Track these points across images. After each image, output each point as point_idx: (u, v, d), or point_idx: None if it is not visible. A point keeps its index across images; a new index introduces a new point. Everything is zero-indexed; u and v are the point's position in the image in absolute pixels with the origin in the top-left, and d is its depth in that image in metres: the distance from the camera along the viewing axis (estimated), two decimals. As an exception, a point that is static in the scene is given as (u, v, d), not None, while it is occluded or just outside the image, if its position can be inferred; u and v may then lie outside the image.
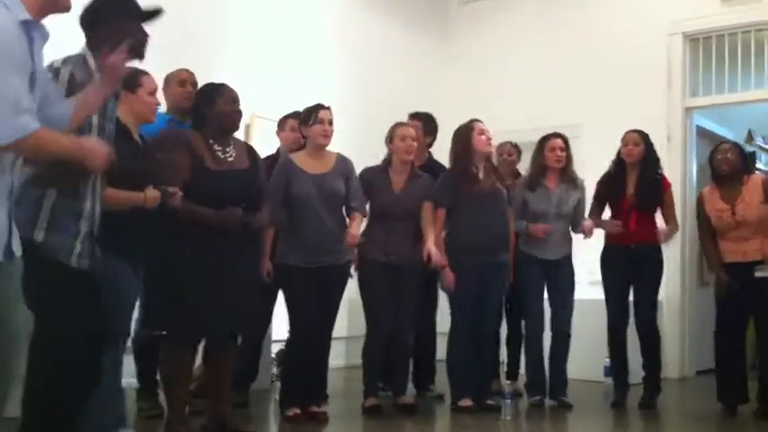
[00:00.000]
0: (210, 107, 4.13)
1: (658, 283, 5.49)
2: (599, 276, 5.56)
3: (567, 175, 5.40)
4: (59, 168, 2.83)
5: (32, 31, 2.48)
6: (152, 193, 3.61)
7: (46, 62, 2.95)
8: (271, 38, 6.77)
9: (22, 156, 2.60)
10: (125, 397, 3.79)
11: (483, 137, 5.09)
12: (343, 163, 4.79)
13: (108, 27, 3.11)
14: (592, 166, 5.69)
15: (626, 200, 5.39)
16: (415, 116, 5.60)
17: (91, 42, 3.14)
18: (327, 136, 4.71)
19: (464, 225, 5.05)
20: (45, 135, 2.50)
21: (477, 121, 5.18)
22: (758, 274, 4.95)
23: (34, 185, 2.88)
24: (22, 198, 2.74)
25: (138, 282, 3.69)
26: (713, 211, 5.25)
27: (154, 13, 3.21)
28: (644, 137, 5.46)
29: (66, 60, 3.03)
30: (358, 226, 4.81)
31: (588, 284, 5.90)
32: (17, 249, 2.56)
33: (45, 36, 2.59)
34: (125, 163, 3.37)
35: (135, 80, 3.73)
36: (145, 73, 3.80)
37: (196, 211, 3.90)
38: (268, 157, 5.00)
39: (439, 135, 5.59)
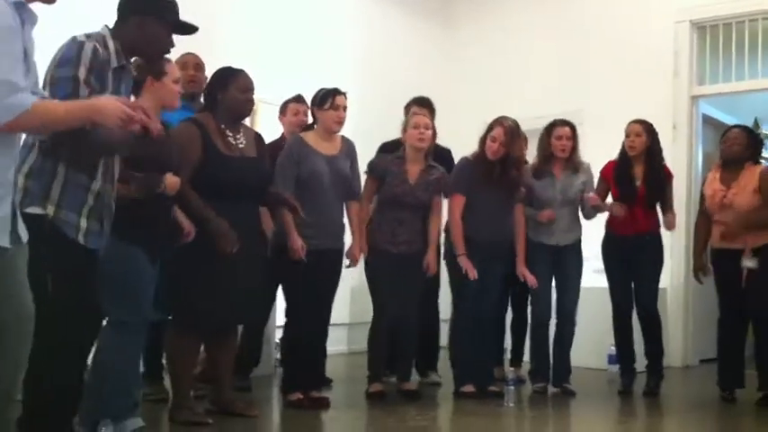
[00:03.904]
0: (223, 92, 4.14)
1: (659, 272, 5.50)
2: (602, 264, 5.56)
3: (571, 163, 5.38)
4: (69, 143, 2.83)
5: (23, 14, 2.48)
6: (172, 180, 3.59)
7: (65, 37, 2.98)
8: (276, 23, 6.76)
9: (28, 133, 2.60)
10: (141, 383, 3.80)
11: (494, 144, 4.99)
12: (348, 145, 4.80)
13: (138, 19, 3.11)
14: (595, 154, 5.67)
15: (633, 193, 5.37)
16: (422, 103, 5.55)
17: (120, 28, 3.14)
18: (341, 123, 4.70)
19: (468, 215, 5.05)
20: (43, 106, 2.49)
21: (499, 124, 5.02)
22: (745, 264, 5.03)
23: (48, 156, 2.88)
24: (35, 169, 2.75)
25: (155, 270, 3.67)
26: (709, 190, 5.31)
27: (189, 30, 3.23)
28: (647, 127, 5.42)
29: (89, 36, 3.02)
30: (361, 229, 4.82)
31: (592, 272, 5.89)
32: (23, 234, 2.57)
33: (34, 20, 2.58)
34: (145, 149, 3.39)
35: (159, 68, 3.70)
36: (168, 60, 3.77)
37: (204, 211, 3.90)
38: (272, 143, 5.00)
39: (447, 121, 5.55)
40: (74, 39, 2.99)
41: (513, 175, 5.05)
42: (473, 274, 4.96)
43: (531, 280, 5.21)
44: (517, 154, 5.05)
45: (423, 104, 5.52)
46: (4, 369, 2.53)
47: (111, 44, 3.07)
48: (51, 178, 2.91)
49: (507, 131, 4.98)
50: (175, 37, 3.26)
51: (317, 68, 6.76)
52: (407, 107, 5.59)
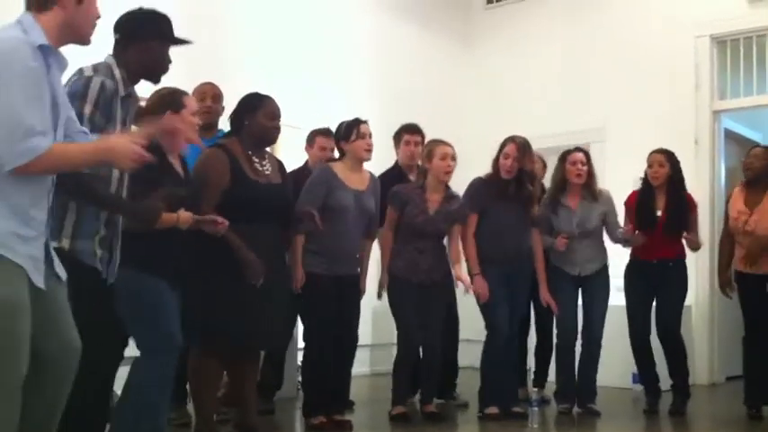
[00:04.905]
0: (250, 118, 4.16)
1: (683, 297, 5.49)
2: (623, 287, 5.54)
3: (588, 190, 5.33)
4: (81, 183, 2.86)
5: (49, 58, 2.49)
6: (185, 215, 3.58)
7: (74, 67, 2.97)
8: (293, 45, 6.78)
9: (43, 175, 2.57)
10: (165, 410, 3.80)
11: (507, 161, 5.01)
12: (375, 183, 4.84)
13: (142, 45, 3.15)
14: (617, 171, 5.66)
15: (653, 221, 5.33)
16: (414, 130, 5.55)
17: (119, 50, 3.16)
18: (370, 150, 4.75)
19: (486, 235, 5.05)
20: (59, 150, 2.48)
21: (510, 140, 5.06)
22: None
23: (58, 191, 2.89)
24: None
25: (177, 297, 3.65)
26: (733, 212, 5.30)
27: (184, 42, 3.25)
28: (669, 156, 5.39)
29: (96, 69, 3.04)
30: (368, 255, 4.89)
31: (615, 290, 5.84)
32: (62, 273, 2.59)
33: (62, 65, 2.61)
34: (161, 184, 3.41)
35: (178, 101, 3.69)
36: (185, 93, 3.79)
37: (233, 241, 3.90)
38: (295, 171, 5.02)
39: (460, 137, 5.55)
40: (81, 72, 2.99)
41: (528, 191, 5.06)
42: (484, 295, 4.95)
43: (554, 307, 5.22)
44: (528, 168, 5.06)
45: (415, 131, 5.53)
46: (45, 399, 2.55)
47: (117, 73, 3.08)
48: (64, 212, 2.92)
49: (519, 147, 5.01)
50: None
51: (336, 91, 6.79)
52: (398, 135, 5.60)
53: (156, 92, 3.66)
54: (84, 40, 2.65)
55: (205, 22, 5.96)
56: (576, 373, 5.33)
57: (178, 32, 3.27)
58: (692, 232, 5.42)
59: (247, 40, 6.49)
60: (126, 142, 2.64)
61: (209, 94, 4.85)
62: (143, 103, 3.61)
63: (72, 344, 2.58)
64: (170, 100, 3.67)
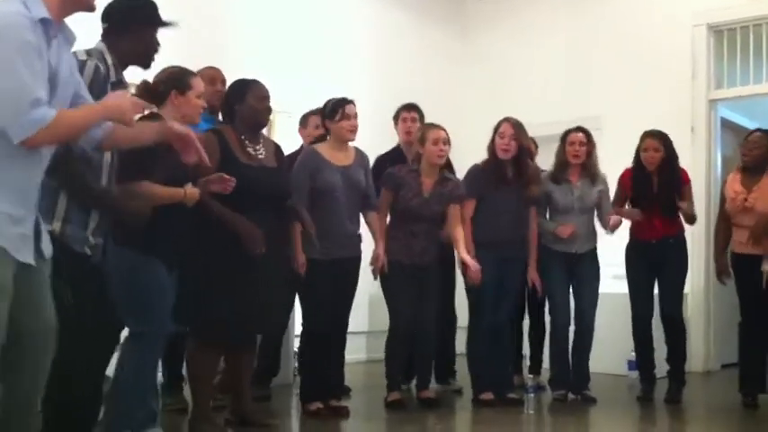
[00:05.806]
0: (240, 103, 4.16)
1: (683, 278, 5.49)
2: (622, 270, 5.54)
3: (588, 171, 5.34)
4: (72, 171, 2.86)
5: (51, 31, 2.49)
6: (191, 191, 3.58)
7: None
8: (289, 33, 6.78)
9: (52, 145, 2.58)
10: (159, 394, 3.82)
11: (502, 141, 5.04)
12: (361, 157, 4.83)
13: (133, 32, 3.14)
14: (614, 159, 5.64)
15: (651, 201, 5.34)
16: (410, 107, 5.58)
17: (108, 38, 3.16)
18: (354, 131, 4.72)
19: (483, 219, 5.06)
20: (65, 117, 2.48)
21: (505, 120, 5.10)
22: (765, 268, 5.01)
23: (52, 173, 2.89)
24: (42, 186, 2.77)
25: (173, 281, 3.66)
26: (729, 192, 5.29)
27: (170, 24, 3.26)
28: (663, 139, 5.37)
29: (89, 53, 3.05)
30: (382, 235, 4.85)
31: (612, 278, 5.87)
32: (47, 251, 2.58)
33: (69, 38, 2.60)
34: (167, 163, 3.39)
35: (185, 82, 3.64)
36: (193, 74, 3.74)
37: (227, 215, 3.91)
38: (291, 155, 5.02)
39: (460, 130, 5.56)
40: (74, 56, 2.95)
41: (526, 172, 5.07)
42: (477, 279, 4.93)
43: (540, 286, 5.23)
44: (526, 144, 5.08)
45: (411, 108, 5.54)
46: (24, 374, 2.55)
47: (109, 59, 3.09)
48: (56, 194, 2.92)
49: (514, 125, 5.04)
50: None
51: (331, 79, 6.77)
52: (397, 115, 5.62)
53: (165, 69, 3.64)
54: (88, 6, 2.64)
55: (205, 22, 5.96)
56: (570, 358, 5.34)
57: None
58: (687, 201, 5.36)
59: (247, 40, 6.48)
60: (123, 96, 2.66)
61: (219, 79, 4.85)
62: (150, 80, 3.60)
63: (48, 321, 2.58)
64: (177, 79, 3.63)
